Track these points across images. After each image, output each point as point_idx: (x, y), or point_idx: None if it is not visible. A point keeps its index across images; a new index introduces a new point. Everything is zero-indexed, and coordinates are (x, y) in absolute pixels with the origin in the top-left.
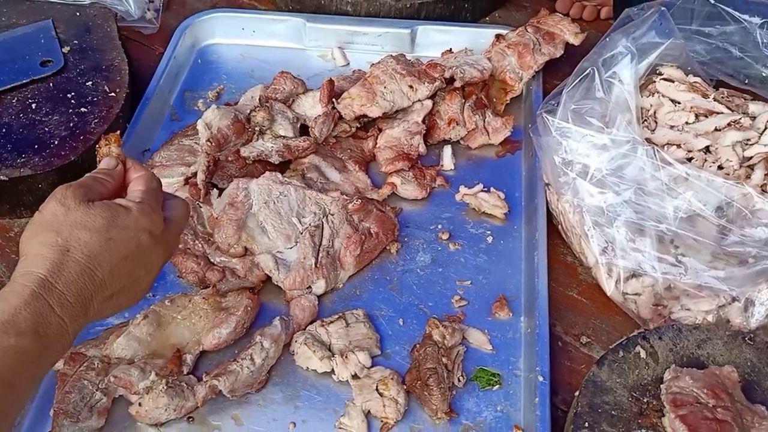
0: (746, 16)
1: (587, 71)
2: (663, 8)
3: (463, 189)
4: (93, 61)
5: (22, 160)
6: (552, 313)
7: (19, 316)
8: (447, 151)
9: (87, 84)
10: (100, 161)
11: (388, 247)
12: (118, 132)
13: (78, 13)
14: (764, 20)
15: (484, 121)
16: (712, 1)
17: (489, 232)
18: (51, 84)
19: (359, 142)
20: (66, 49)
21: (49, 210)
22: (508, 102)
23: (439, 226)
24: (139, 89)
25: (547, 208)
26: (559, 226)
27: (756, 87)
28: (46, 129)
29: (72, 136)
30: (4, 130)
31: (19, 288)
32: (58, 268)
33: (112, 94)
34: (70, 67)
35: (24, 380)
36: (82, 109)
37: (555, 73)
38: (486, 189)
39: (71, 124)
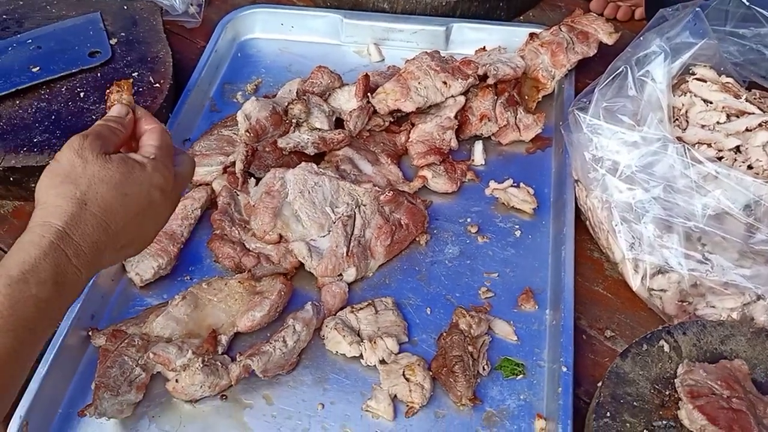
0: None
1: (620, 69)
2: (698, 9)
3: (492, 184)
4: (139, 53)
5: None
6: (577, 307)
7: (39, 267)
8: (478, 146)
9: (133, 74)
10: (110, 108)
11: (417, 239)
12: (131, 79)
13: (125, 7)
14: None
15: (515, 117)
16: (747, 3)
17: (517, 227)
18: (99, 74)
19: (392, 135)
20: (113, 41)
21: (67, 160)
22: (539, 100)
23: (468, 220)
24: (182, 81)
25: (576, 204)
26: (587, 222)
27: None
28: (94, 117)
29: None
30: (53, 117)
31: (37, 238)
32: (76, 221)
33: (157, 85)
34: (117, 58)
35: (43, 326)
36: None
37: (587, 72)
38: (516, 184)
39: None
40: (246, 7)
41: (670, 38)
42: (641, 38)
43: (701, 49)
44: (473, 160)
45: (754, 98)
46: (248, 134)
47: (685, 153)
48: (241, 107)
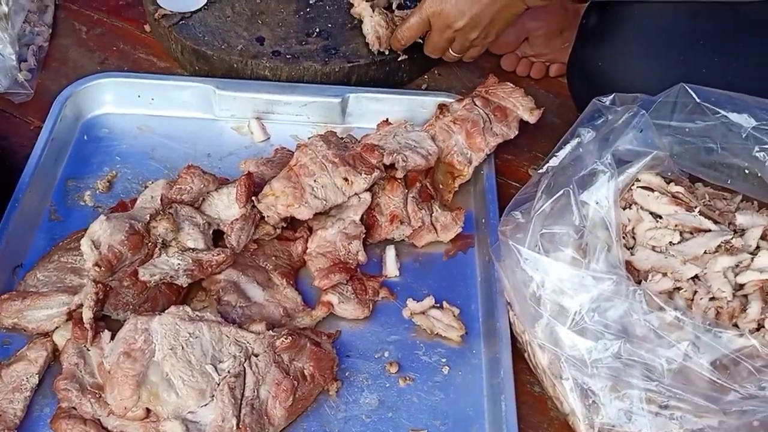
0: (732, 114)
1: (561, 192)
2: (642, 111)
3: (411, 304)
4: None
5: None
6: None
7: None
8: (390, 254)
9: None
10: None
11: (326, 388)
12: None
13: None
14: (755, 120)
15: (431, 216)
16: (697, 99)
17: (444, 360)
18: None
19: (286, 244)
20: None
21: None
22: (456, 189)
23: (386, 354)
24: (10, 177)
25: (510, 329)
26: (525, 354)
27: (737, 184)
28: None
29: None
30: None
31: None
32: None
33: None
34: None
35: None
36: None
37: (507, 146)
38: (438, 304)
39: None
40: (92, 75)
41: (612, 148)
42: (577, 138)
43: (651, 159)
44: (386, 274)
45: (705, 203)
46: (98, 269)
47: (643, 297)
48: (87, 230)
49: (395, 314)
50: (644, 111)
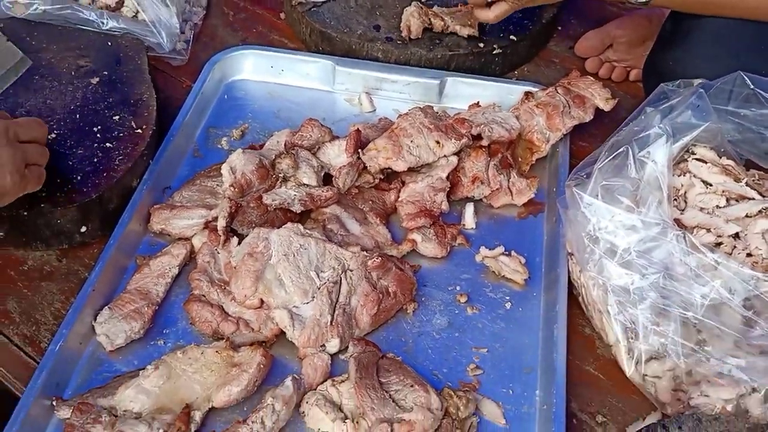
0: None
1: (621, 149)
2: (701, 90)
3: (483, 250)
4: (121, 95)
5: (42, 194)
6: (568, 387)
7: None
8: (469, 209)
9: (114, 118)
10: None
11: (405, 307)
12: None
13: (109, 43)
14: None
15: (508, 181)
16: (751, 86)
17: (508, 298)
18: (78, 116)
19: (381, 193)
20: (95, 80)
21: None
22: (533, 162)
23: (458, 288)
24: (165, 122)
25: (569, 277)
26: (580, 298)
27: None
28: (70, 163)
29: (95, 173)
30: None
31: None
32: None
33: (139, 130)
34: (99, 99)
35: None
36: (107, 144)
37: (582, 134)
38: (507, 252)
39: (95, 160)
40: (235, 47)
41: (672, 118)
42: (642, 115)
43: (704, 131)
44: (464, 224)
45: (754, 180)
46: (233, 189)
47: (685, 240)
48: (227, 159)
49: (468, 258)
50: (702, 90)
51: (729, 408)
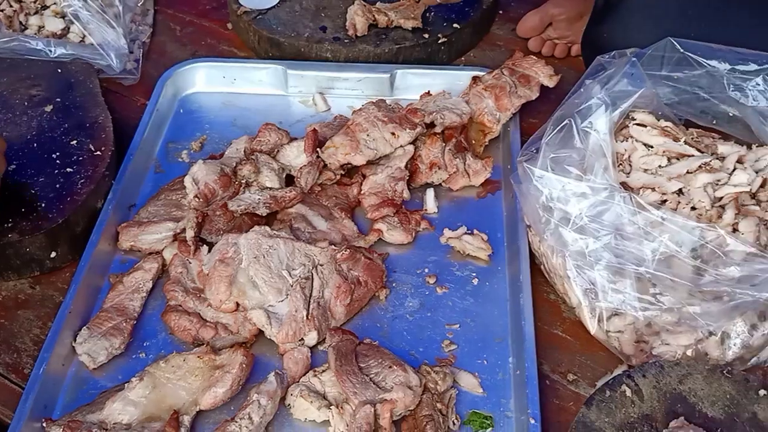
0: (713, 62)
1: (564, 122)
2: (634, 58)
3: (447, 232)
4: (77, 119)
5: (9, 224)
6: (538, 351)
7: None
8: (430, 194)
9: (72, 143)
10: None
11: (377, 294)
12: None
13: (59, 70)
14: (731, 66)
15: (464, 163)
16: (681, 50)
17: (474, 274)
18: (35, 144)
19: (344, 188)
20: (49, 108)
21: None
22: (486, 143)
23: (426, 270)
24: (123, 142)
25: (530, 248)
26: (542, 266)
27: (723, 126)
28: (33, 191)
29: (59, 198)
30: None
31: None
32: None
33: (98, 152)
34: (54, 126)
35: None
36: (68, 169)
37: (530, 111)
38: (469, 231)
39: (57, 186)
40: (186, 61)
41: (609, 88)
42: (582, 88)
43: (640, 97)
44: (426, 209)
45: (692, 139)
46: (197, 199)
47: (631, 201)
48: (189, 171)
49: (433, 242)
50: (635, 58)
51: (689, 353)
